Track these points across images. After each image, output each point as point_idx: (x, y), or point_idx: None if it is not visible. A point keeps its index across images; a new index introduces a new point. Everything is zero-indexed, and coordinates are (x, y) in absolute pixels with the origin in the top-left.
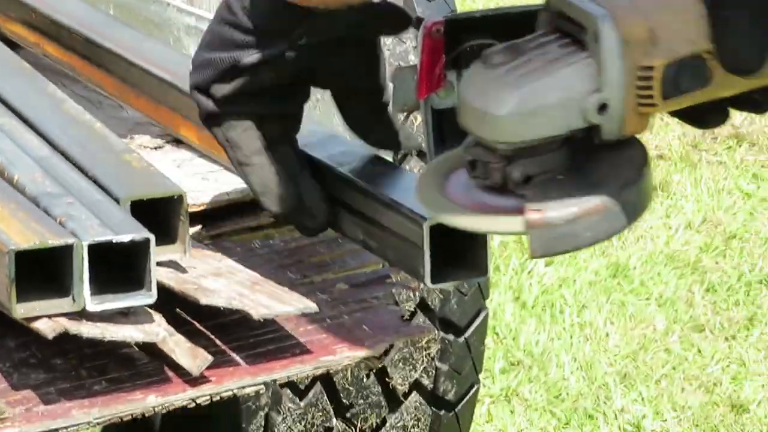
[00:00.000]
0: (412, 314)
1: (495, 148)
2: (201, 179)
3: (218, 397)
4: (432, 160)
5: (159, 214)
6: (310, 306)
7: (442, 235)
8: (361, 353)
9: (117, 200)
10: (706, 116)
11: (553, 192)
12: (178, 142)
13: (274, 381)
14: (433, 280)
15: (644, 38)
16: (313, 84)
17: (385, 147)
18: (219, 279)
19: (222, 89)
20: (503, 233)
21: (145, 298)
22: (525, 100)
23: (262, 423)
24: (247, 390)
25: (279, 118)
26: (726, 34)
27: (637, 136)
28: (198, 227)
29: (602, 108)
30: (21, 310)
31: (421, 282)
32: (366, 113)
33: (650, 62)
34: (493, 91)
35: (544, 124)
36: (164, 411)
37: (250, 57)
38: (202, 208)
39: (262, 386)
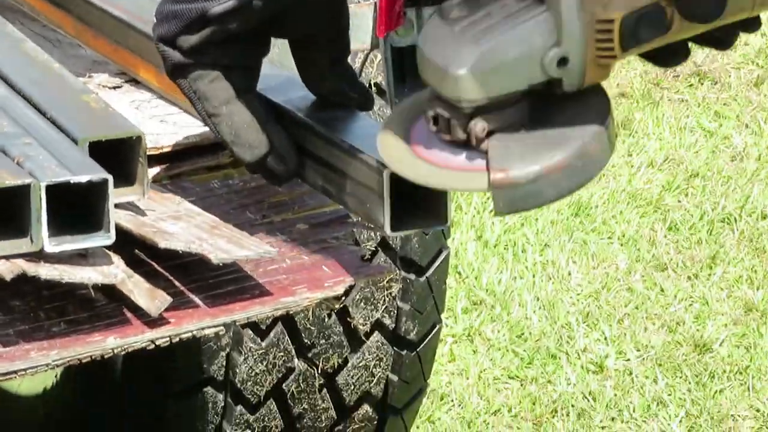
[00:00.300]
0: (373, 253)
1: (456, 105)
2: (159, 122)
3: (177, 339)
4: (394, 109)
5: (117, 155)
6: (270, 250)
7: (402, 182)
8: (321, 294)
9: (75, 141)
10: (667, 56)
11: (516, 148)
12: (136, 82)
13: (234, 322)
14: (393, 228)
15: None
16: (278, 32)
17: (338, 99)
18: (178, 222)
19: (189, 40)
20: (466, 191)
21: (104, 239)
22: (485, 57)
23: (224, 363)
24: (207, 331)
25: (245, 67)
26: None
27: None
28: (157, 168)
29: (562, 62)
30: None
31: (381, 230)
32: (325, 62)
33: (609, 15)
34: (452, 48)
35: (504, 80)
36: (123, 353)
37: (219, 6)
38: (160, 151)
39: (222, 327)
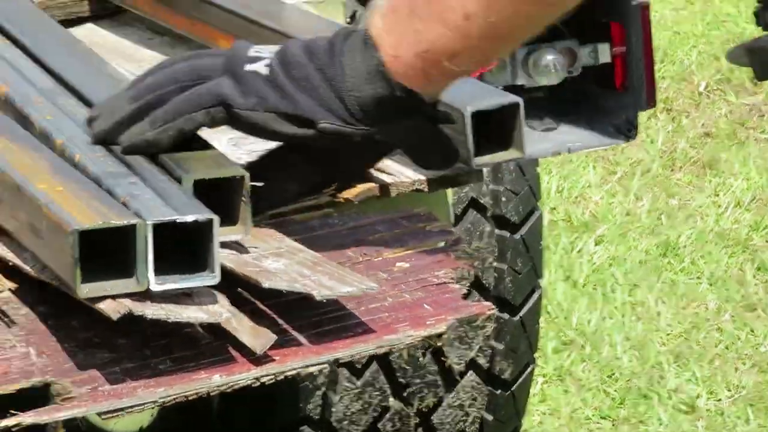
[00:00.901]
0: (467, 294)
1: None
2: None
3: (282, 376)
4: None
5: (220, 193)
6: (372, 285)
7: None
8: (424, 332)
9: (179, 180)
10: None
11: None
12: None
13: (338, 360)
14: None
15: None
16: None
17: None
18: (280, 259)
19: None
20: None
21: (209, 279)
22: None
23: (320, 402)
24: (311, 369)
25: None
26: None
27: None
28: None
29: None
30: (85, 290)
31: (466, 164)
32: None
33: None
34: None
35: None
36: (229, 390)
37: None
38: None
39: (326, 365)
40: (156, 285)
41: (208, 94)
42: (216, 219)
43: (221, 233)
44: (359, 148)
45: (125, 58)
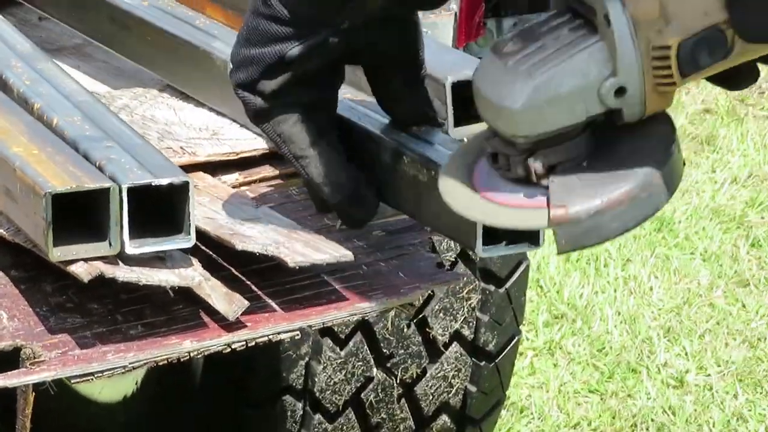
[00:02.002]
0: (453, 264)
1: (514, 142)
2: (239, 127)
3: (254, 343)
4: (456, 149)
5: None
6: (346, 254)
7: (463, 88)
8: (397, 300)
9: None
10: (734, 79)
11: (577, 182)
12: None
13: (310, 327)
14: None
15: (656, 16)
16: (353, 63)
17: (415, 121)
18: (255, 226)
19: (269, 85)
20: (527, 229)
21: (184, 241)
22: (539, 91)
23: (303, 372)
24: (283, 336)
25: (325, 104)
26: (740, 6)
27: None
28: (236, 174)
29: (620, 92)
30: (58, 253)
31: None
32: (399, 86)
33: (665, 41)
34: (506, 83)
35: (561, 114)
36: (200, 356)
37: (295, 49)
38: (239, 156)
39: (298, 332)
40: (131, 248)
41: None
42: (191, 182)
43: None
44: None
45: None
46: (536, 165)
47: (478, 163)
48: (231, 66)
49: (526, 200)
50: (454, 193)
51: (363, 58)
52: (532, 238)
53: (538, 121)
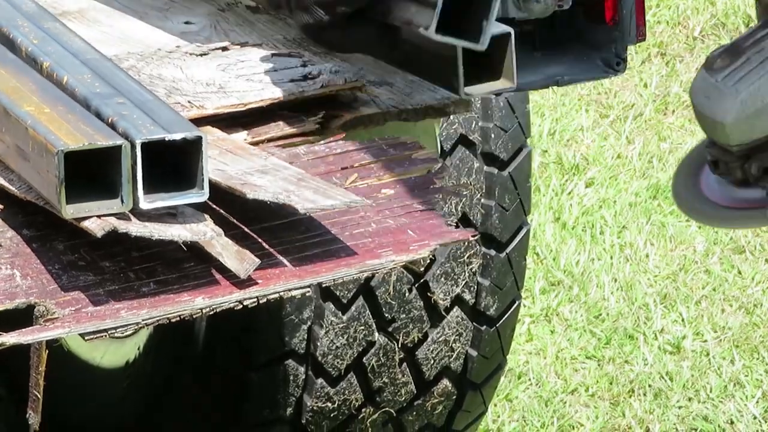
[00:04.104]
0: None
1: (729, 150)
2: (246, 80)
3: (265, 300)
4: (684, 157)
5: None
6: (356, 200)
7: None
8: (406, 257)
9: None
10: None
11: None
12: (223, 48)
13: (320, 284)
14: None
15: None
16: None
17: None
18: (265, 176)
19: None
20: (750, 228)
21: (197, 196)
22: (746, 104)
23: (305, 336)
24: (294, 292)
25: None
26: None
27: None
28: (243, 133)
29: None
30: (71, 211)
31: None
32: None
33: None
34: (716, 99)
35: None
36: (212, 312)
37: None
38: (247, 107)
39: (309, 289)
40: (146, 203)
41: None
42: (204, 136)
43: (491, 87)
44: None
45: None
46: (752, 168)
47: (703, 169)
48: None
49: (746, 201)
50: (683, 197)
51: None
52: (508, 77)
53: (749, 131)
